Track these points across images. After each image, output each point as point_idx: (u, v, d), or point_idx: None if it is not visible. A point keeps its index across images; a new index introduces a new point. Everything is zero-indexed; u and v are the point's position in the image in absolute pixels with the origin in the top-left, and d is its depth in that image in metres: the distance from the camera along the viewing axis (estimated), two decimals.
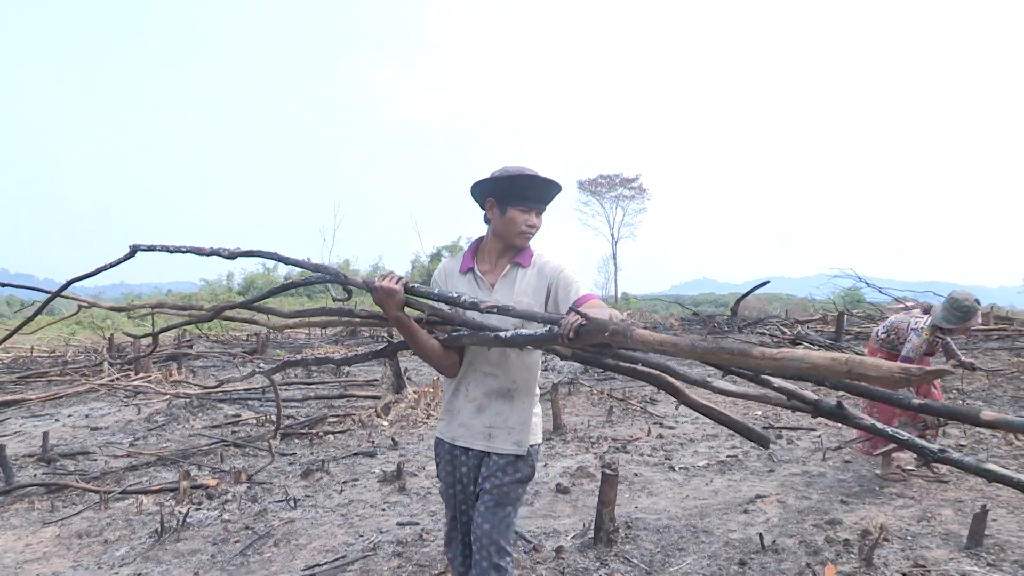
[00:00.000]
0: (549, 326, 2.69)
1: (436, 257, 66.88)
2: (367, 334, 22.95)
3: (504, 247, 3.02)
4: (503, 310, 2.83)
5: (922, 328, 5.99)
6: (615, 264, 63.61)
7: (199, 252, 4.24)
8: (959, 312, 5.82)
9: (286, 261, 3.80)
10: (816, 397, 2.79)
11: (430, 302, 3.03)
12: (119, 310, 5.64)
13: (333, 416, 9.61)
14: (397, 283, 2.85)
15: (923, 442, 2.76)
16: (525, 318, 2.82)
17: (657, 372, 3.07)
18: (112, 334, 17.76)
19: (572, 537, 4.93)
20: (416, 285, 2.97)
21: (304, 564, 4.83)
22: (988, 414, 2.35)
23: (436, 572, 4.38)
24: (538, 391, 3.15)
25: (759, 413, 9.51)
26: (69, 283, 5.64)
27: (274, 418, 9.59)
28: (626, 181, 62.33)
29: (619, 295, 61.23)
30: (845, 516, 5.22)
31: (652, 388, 11.62)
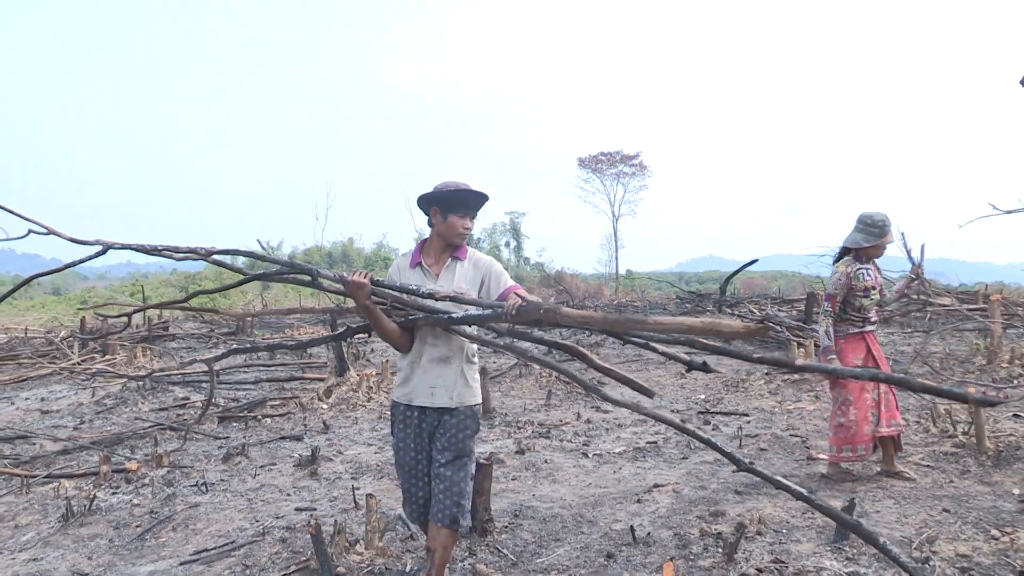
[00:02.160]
0: (492, 309, 3.43)
1: (429, 221, 66.57)
2: (355, 316, 23.09)
3: (445, 245, 3.81)
4: (455, 299, 3.56)
5: (837, 266, 5.83)
6: (616, 241, 63.46)
7: (175, 251, 4.63)
8: (874, 228, 5.66)
9: (263, 259, 4.65)
10: (688, 358, 3.43)
11: (392, 292, 3.74)
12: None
13: (277, 399, 9.72)
14: (365, 277, 3.57)
15: (731, 451, 2.84)
16: (472, 304, 3.57)
17: (570, 344, 3.83)
18: (84, 315, 17.90)
19: None
20: (379, 279, 3.70)
21: (195, 548, 4.93)
22: (800, 361, 2.45)
23: (304, 559, 4.46)
24: (476, 361, 3.90)
25: (702, 397, 9.57)
26: (33, 277, 5.83)
27: (221, 401, 9.73)
28: (627, 158, 62.08)
29: (623, 272, 61.23)
30: (733, 508, 5.25)
31: (597, 373, 11.72)
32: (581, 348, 3.79)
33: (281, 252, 54.69)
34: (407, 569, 4.35)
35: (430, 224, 3.80)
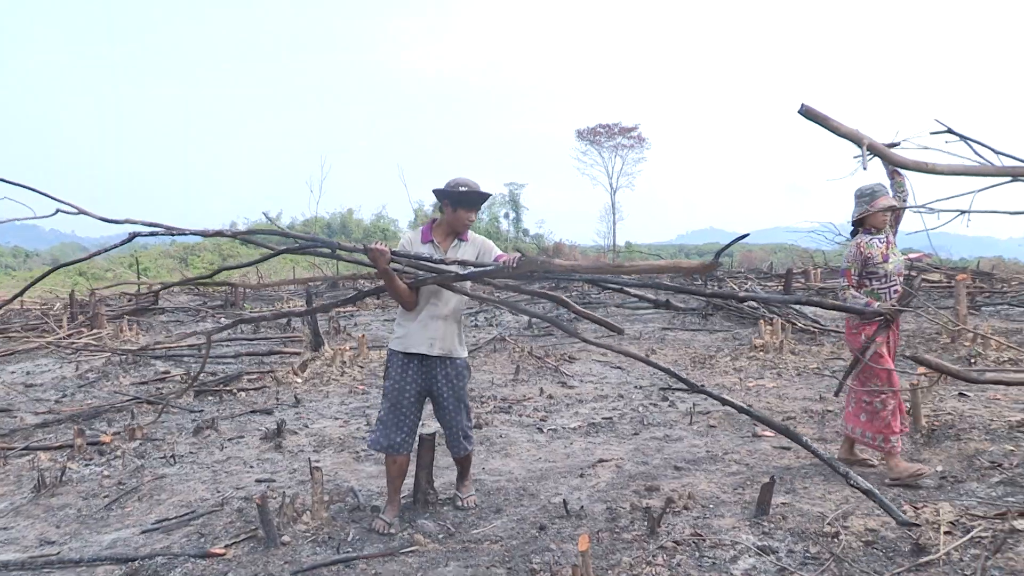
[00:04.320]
0: (495, 265, 4.46)
1: (439, 207, 66.94)
2: (347, 286, 23.43)
3: (450, 230, 4.80)
4: (463, 263, 4.64)
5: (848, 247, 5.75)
6: (614, 213, 63.58)
7: (203, 235, 5.47)
8: (863, 197, 5.64)
9: (287, 235, 5.60)
10: (655, 298, 4.88)
11: (409, 258, 4.65)
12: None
13: (254, 373, 9.99)
14: (385, 246, 4.53)
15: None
16: (476, 266, 4.64)
17: (553, 294, 4.83)
18: (73, 289, 18.17)
19: (401, 497, 5.28)
20: (396, 249, 4.65)
21: (157, 517, 5.19)
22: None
23: (253, 528, 4.72)
24: (462, 321, 4.94)
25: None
26: (58, 267, 6.28)
27: (201, 375, 10.00)
28: (625, 130, 62.03)
29: (622, 244, 61.42)
30: (669, 483, 5.48)
31: (572, 347, 11.99)
32: (562, 296, 4.76)
33: (281, 223, 54.87)
34: (349, 538, 4.62)
35: (440, 211, 4.81)
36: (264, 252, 5.38)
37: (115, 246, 6.06)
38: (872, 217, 5.64)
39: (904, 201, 5.68)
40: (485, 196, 4.77)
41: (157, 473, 6.14)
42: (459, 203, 4.69)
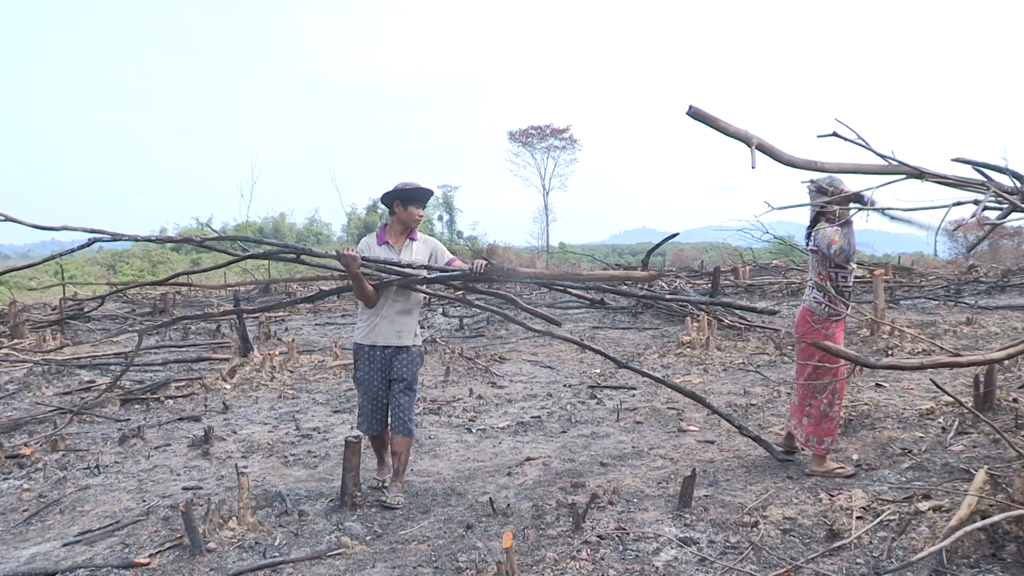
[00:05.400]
0: (461, 270, 5.16)
1: (373, 208, 66.65)
2: (277, 290, 23.22)
3: (403, 228, 5.31)
4: (429, 268, 5.23)
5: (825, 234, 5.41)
6: (547, 214, 63.95)
7: (169, 241, 5.90)
8: (823, 189, 5.26)
9: (261, 243, 6.12)
10: (597, 298, 6.07)
11: (378, 263, 5.16)
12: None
13: (182, 380, 9.85)
14: (355, 252, 5.01)
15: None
16: (440, 270, 5.25)
17: (503, 292, 5.92)
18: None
19: (330, 500, 5.29)
20: (366, 255, 5.15)
21: (80, 529, 5.10)
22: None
23: (179, 536, 4.69)
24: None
25: (597, 371, 9.97)
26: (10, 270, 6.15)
27: (127, 383, 9.83)
28: (557, 132, 62.42)
29: (556, 245, 61.73)
30: (594, 480, 5.58)
31: (503, 348, 12.08)
32: (511, 295, 5.82)
33: (213, 227, 53.84)
34: (276, 543, 4.62)
35: (391, 213, 5.29)
36: (224, 258, 6.19)
37: (73, 250, 6.28)
38: (818, 212, 5.48)
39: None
40: (430, 192, 5.31)
41: (80, 484, 6.03)
42: (409, 201, 5.21)
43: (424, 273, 5.22)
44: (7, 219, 5.46)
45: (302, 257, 5.91)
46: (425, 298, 6.22)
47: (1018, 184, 3.25)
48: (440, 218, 64.27)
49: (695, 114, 2.62)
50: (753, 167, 2.50)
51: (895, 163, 2.79)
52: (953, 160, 3.52)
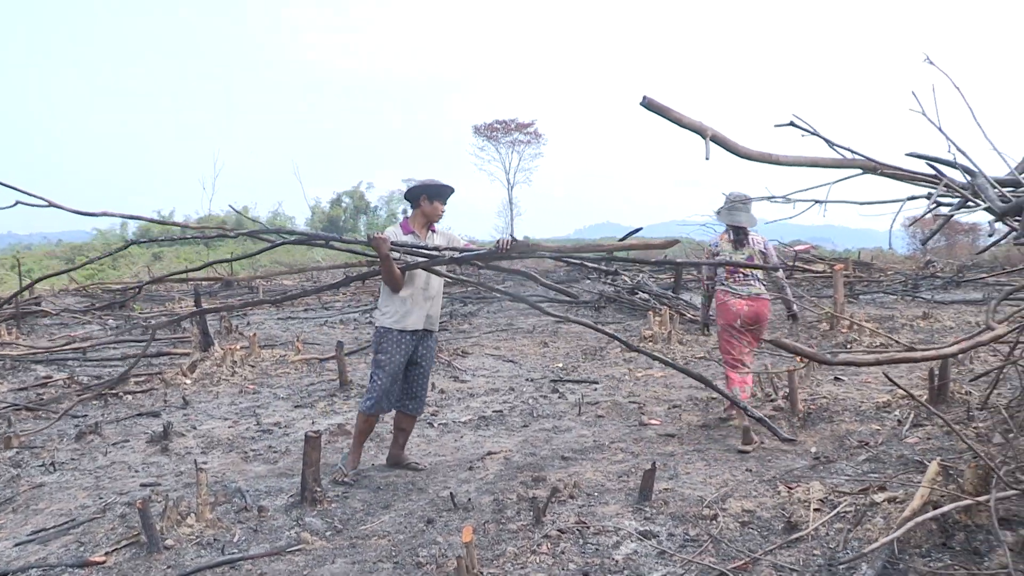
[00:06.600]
0: (488, 249, 5.47)
1: (337, 202, 66.30)
2: (240, 286, 23.01)
3: (425, 221, 5.71)
4: (453, 251, 5.60)
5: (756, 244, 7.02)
6: (512, 209, 64.01)
7: (206, 230, 7.28)
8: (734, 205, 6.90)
9: (293, 232, 6.38)
10: (571, 291, 7.44)
11: (408, 245, 5.51)
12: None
13: (142, 375, 9.73)
14: (385, 235, 5.38)
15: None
16: (464, 251, 5.63)
17: (523, 270, 6.66)
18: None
19: (290, 496, 5.25)
20: (395, 240, 5.47)
21: (33, 528, 5.02)
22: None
23: (136, 533, 4.63)
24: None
25: (560, 365, 10.00)
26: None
27: (84, 378, 9.70)
28: (522, 126, 62.41)
29: (521, 239, 61.64)
30: (556, 473, 5.58)
31: (466, 342, 12.10)
32: (530, 272, 6.45)
33: (175, 220, 53.21)
34: (235, 539, 4.58)
35: (414, 206, 5.69)
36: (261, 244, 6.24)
37: (117, 250, 6.72)
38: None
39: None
40: (452, 189, 5.73)
41: (35, 482, 5.94)
42: (435, 196, 5.65)
43: (453, 254, 5.58)
44: (50, 204, 5.42)
45: (331, 243, 6.61)
46: None
47: (968, 178, 3.30)
48: (404, 212, 64.09)
49: (649, 105, 2.62)
50: (707, 158, 2.52)
51: (850, 155, 2.83)
52: (907, 155, 3.58)
